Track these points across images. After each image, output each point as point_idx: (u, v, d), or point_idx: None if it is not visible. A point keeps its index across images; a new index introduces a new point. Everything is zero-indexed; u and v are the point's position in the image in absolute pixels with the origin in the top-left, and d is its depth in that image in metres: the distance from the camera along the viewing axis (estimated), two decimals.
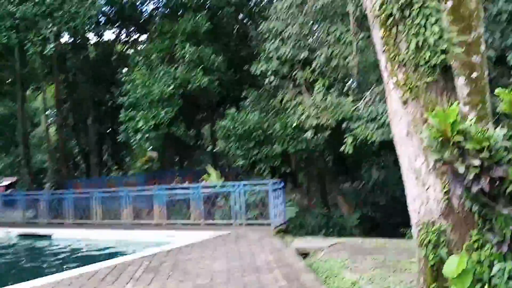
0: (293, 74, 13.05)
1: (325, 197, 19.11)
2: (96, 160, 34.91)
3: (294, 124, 12.76)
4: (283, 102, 13.54)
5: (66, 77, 32.99)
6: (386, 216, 20.25)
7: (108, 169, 39.51)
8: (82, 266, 8.12)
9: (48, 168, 32.56)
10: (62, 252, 12.94)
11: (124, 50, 32.48)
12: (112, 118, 31.49)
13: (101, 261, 8.60)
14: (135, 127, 15.72)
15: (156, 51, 17.44)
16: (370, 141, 11.22)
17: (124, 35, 32.04)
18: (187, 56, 16.25)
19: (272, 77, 13.10)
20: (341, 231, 15.74)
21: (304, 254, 8.97)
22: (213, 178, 12.96)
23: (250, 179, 14.32)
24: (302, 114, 12.46)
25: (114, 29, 30.87)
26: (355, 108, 11.61)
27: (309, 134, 12.49)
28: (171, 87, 15.45)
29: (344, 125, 11.93)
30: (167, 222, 14.00)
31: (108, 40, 32.28)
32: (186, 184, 15.11)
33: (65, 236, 14.66)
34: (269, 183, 11.71)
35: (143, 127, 15.40)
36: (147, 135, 15.42)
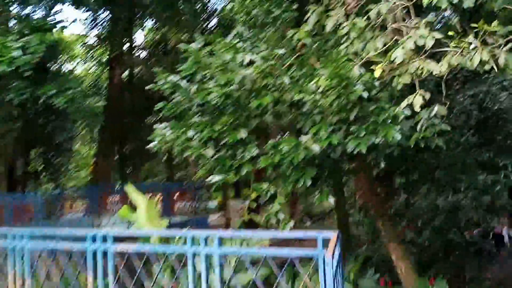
0: None
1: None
2: (19, 169, 26.09)
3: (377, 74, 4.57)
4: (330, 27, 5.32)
5: None
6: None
7: (36, 180, 29.17)
8: None
9: None
10: None
11: None
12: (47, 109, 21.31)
13: None
14: None
15: None
16: None
17: None
18: None
19: None
20: None
21: None
22: (139, 215, 4.51)
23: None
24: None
25: None
26: None
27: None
28: None
29: None
30: None
31: None
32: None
33: None
34: (319, 239, 3.39)
35: None
36: None
